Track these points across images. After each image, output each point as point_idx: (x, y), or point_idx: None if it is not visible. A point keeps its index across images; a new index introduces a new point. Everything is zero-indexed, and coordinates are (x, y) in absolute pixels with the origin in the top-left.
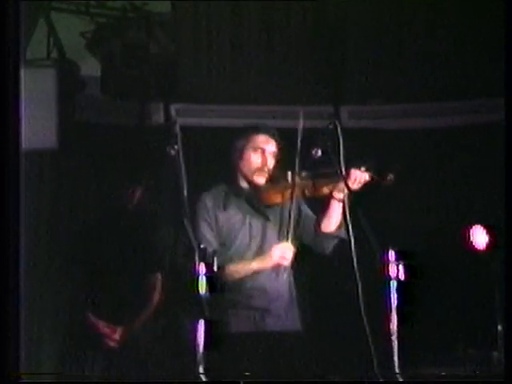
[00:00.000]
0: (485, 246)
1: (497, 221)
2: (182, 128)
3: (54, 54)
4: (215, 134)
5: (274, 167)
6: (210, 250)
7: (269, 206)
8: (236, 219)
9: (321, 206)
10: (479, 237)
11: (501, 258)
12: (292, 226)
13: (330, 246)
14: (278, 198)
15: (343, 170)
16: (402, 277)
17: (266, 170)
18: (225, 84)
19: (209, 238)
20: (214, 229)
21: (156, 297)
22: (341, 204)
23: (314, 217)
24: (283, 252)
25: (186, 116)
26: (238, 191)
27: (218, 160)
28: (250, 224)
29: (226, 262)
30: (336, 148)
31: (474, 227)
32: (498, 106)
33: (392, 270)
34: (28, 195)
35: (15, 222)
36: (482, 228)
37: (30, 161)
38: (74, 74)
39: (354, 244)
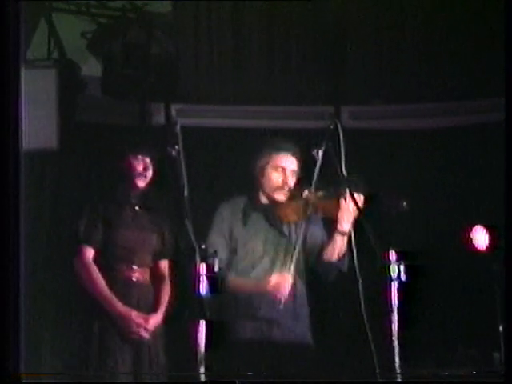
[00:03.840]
0: (486, 246)
1: (498, 221)
2: (183, 128)
3: (55, 55)
4: (216, 135)
5: (294, 185)
6: (215, 256)
7: (284, 223)
8: (251, 235)
9: (327, 233)
10: (480, 237)
11: (502, 258)
12: (301, 248)
13: (329, 276)
14: (293, 216)
15: (344, 170)
16: (403, 277)
17: (286, 187)
18: (225, 84)
19: (220, 248)
20: (227, 239)
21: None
22: (345, 237)
23: (322, 242)
24: (279, 282)
25: (186, 116)
26: (256, 206)
27: (219, 161)
28: (265, 239)
29: (235, 274)
30: (337, 148)
31: (474, 228)
32: (499, 106)
33: (393, 271)
34: (29, 195)
35: (15, 222)
36: (483, 228)
37: (31, 161)
38: (74, 74)
39: (356, 244)
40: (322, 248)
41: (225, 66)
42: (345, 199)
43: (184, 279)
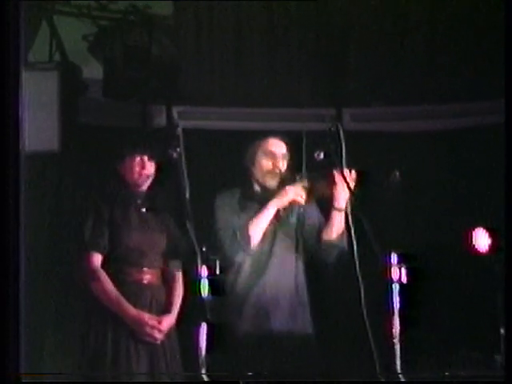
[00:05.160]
0: (487, 248)
1: (499, 223)
2: (184, 130)
3: (57, 57)
4: (218, 137)
5: (285, 169)
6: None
7: (279, 208)
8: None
9: (323, 213)
10: (481, 239)
11: (503, 260)
12: (299, 231)
13: (331, 256)
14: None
15: (345, 172)
16: (404, 279)
17: (278, 172)
18: (227, 86)
19: (232, 239)
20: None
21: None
22: (342, 213)
23: (320, 223)
24: (297, 191)
25: (188, 118)
26: (250, 195)
27: (220, 163)
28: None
29: (237, 264)
30: (338, 150)
31: (476, 230)
32: (500, 108)
33: (394, 273)
34: (30, 197)
35: (16, 224)
36: (484, 231)
37: (32, 163)
38: (76, 76)
39: (357, 247)
40: (320, 229)
41: (226, 68)
42: (338, 175)
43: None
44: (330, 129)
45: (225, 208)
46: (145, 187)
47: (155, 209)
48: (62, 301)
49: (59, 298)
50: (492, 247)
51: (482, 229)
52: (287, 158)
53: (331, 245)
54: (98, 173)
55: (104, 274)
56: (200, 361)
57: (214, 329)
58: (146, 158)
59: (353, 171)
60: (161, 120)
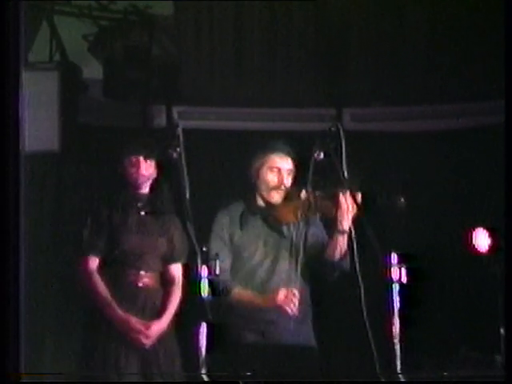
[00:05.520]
0: (487, 248)
1: (499, 223)
2: (185, 131)
3: (57, 57)
4: (217, 137)
5: (290, 185)
6: (217, 258)
7: (283, 225)
8: (251, 238)
9: (327, 234)
10: (481, 239)
11: (503, 260)
12: (302, 249)
13: (331, 276)
14: (292, 217)
15: (345, 172)
16: (404, 280)
17: (283, 188)
18: (227, 87)
19: (222, 254)
20: (228, 246)
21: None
22: (345, 236)
23: (323, 241)
24: (289, 298)
25: (188, 119)
26: (254, 209)
27: (220, 163)
28: (264, 243)
29: (236, 284)
30: (338, 151)
31: (476, 230)
32: (500, 109)
33: (394, 273)
34: (30, 198)
35: (16, 224)
36: (484, 231)
37: (33, 163)
38: (76, 76)
39: (357, 247)
40: (323, 248)
41: (226, 69)
42: (343, 197)
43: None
44: (330, 129)
45: (225, 222)
46: (145, 189)
47: (155, 211)
48: (61, 301)
49: (59, 299)
50: (492, 247)
51: (481, 229)
52: (293, 174)
53: (333, 265)
54: (97, 173)
55: (98, 276)
56: (200, 361)
57: (214, 329)
58: (145, 159)
59: (358, 194)
60: (161, 120)
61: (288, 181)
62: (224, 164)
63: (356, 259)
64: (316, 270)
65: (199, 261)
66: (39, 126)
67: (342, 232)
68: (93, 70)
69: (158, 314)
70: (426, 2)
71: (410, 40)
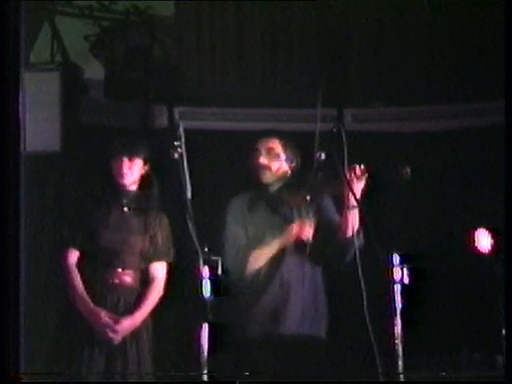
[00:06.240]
0: (489, 249)
1: (501, 224)
2: (186, 131)
3: (58, 58)
4: (219, 137)
5: (292, 170)
6: (218, 258)
7: (293, 208)
8: (262, 222)
9: (338, 211)
10: (483, 240)
11: (504, 261)
12: (312, 231)
13: (346, 256)
14: (300, 200)
15: (347, 173)
16: (406, 280)
17: (282, 172)
18: (228, 87)
19: (240, 238)
20: (245, 229)
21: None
22: (356, 212)
23: (334, 221)
24: (302, 228)
25: (189, 119)
26: (259, 196)
27: (221, 163)
28: (273, 227)
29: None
30: (340, 151)
31: (478, 230)
32: (501, 109)
33: (396, 274)
34: (31, 198)
35: (15, 224)
36: (486, 231)
37: (33, 163)
38: (77, 77)
39: (359, 247)
40: (335, 226)
41: (227, 69)
42: (349, 173)
43: (183, 281)
44: (332, 129)
45: (238, 209)
46: (130, 186)
47: (140, 209)
48: (61, 301)
49: (59, 299)
50: (494, 248)
51: (483, 229)
52: (293, 158)
53: (347, 242)
54: (94, 172)
55: (76, 270)
56: (201, 361)
57: (216, 329)
58: (130, 157)
59: (357, 167)
60: (162, 121)
61: (288, 166)
62: (225, 164)
63: (358, 260)
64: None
65: (201, 261)
66: (40, 127)
67: (352, 208)
68: (94, 71)
69: (131, 311)
70: (427, 2)
71: (410, 41)
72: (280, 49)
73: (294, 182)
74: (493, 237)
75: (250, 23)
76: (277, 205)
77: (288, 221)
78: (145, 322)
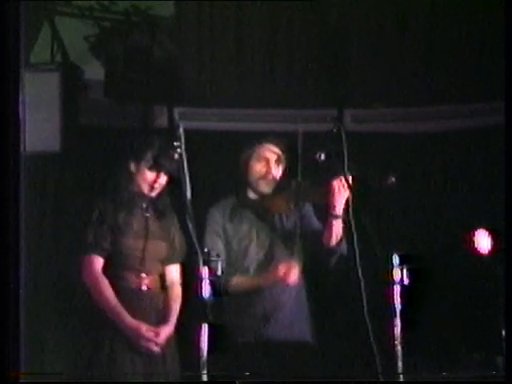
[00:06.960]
0: (488, 250)
1: (500, 225)
2: (186, 132)
3: (58, 58)
4: (219, 138)
5: (279, 175)
6: (218, 259)
7: (275, 215)
8: (244, 230)
9: (322, 220)
10: (483, 241)
11: (504, 261)
12: (297, 237)
13: (331, 262)
14: (283, 207)
15: (346, 173)
16: (405, 281)
17: (271, 178)
18: (228, 88)
19: (219, 250)
20: (224, 241)
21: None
22: (339, 220)
23: (318, 229)
24: (288, 269)
25: (189, 120)
26: (244, 202)
27: (222, 164)
28: (257, 234)
29: (234, 274)
30: (339, 152)
31: (477, 231)
32: (501, 109)
33: (396, 274)
34: (31, 198)
35: (15, 224)
36: (485, 232)
37: (33, 163)
38: (77, 77)
39: (358, 248)
40: (318, 235)
41: (227, 69)
42: (334, 183)
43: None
44: (332, 130)
45: (218, 215)
46: (150, 192)
47: (160, 214)
48: (62, 301)
49: (59, 299)
50: (494, 248)
51: (483, 230)
52: (282, 164)
53: (330, 250)
54: (99, 174)
55: (104, 278)
56: (201, 362)
57: (215, 330)
58: (160, 169)
59: (349, 177)
60: (162, 121)
61: (276, 171)
62: (225, 165)
63: (358, 260)
64: (314, 259)
65: (200, 262)
66: (40, 127)
67: (337, 217)
68: (94, 71)
69: (164, 319)
70: (427, 2)
71: (410, 41)
72: (280, 50)
73: (280, 188)
74: (492, 237)
75: (249, 24)
76: (259, 211)
77: (272, 228)
78: (176, 326)
